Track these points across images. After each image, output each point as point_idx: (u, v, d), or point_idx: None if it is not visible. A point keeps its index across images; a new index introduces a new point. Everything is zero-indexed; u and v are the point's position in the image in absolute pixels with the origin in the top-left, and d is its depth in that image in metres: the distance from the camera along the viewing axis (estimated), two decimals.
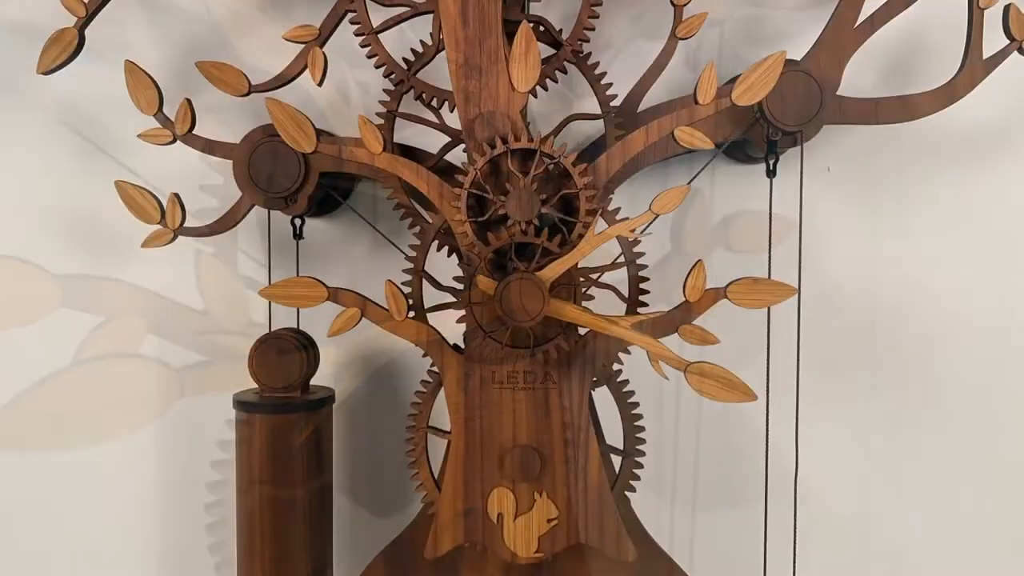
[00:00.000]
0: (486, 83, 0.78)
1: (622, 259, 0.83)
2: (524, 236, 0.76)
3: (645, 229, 0.78)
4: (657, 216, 0.76)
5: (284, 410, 0.85)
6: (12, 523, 1.05)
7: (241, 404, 0.86)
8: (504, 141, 0.77)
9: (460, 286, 0.80)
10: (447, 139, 0.87)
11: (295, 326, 0.90)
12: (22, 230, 1.02)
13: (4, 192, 1.02)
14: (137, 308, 1.02)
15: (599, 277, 0.81)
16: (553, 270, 0.76)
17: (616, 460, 0.86)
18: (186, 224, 0.86)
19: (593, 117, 0.86)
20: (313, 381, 0.90)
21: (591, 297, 0.80)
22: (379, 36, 0.85)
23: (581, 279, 0.78)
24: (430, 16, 0.85)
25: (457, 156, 0.88)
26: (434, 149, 0.89)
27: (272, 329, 0.89)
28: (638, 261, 0.84)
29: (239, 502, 0.87)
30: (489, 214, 0.77)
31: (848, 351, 0.97)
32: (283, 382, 0.86)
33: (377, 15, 0.85)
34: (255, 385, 0.88)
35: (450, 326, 0.83)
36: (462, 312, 0.80)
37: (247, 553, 0.86)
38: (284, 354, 0.86)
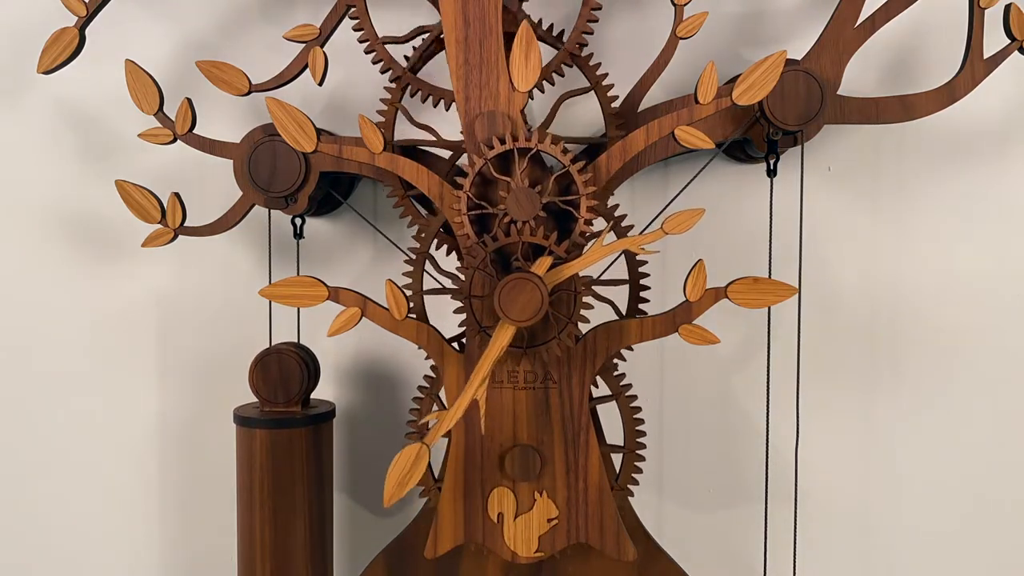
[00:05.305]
0: (486, 83, 0.78)
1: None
2: (532, 236, 0.76)
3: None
4: (666, 234, 0.76)
5: (285, 425, 0.85)
6: (11, 529, 1.05)
7: (242, 419, 0.86)
8: (480, 154, 0.77)
9: (462, 276, 0.79)
10: (448, 137, 0.87)
11: (296, 327, 0.90)
12: (22, 230, 1.03)
13: (4, 192, 1.02)
14: (137, 307, 1.02)
15: (594, 282, 0.81)
16: (556, 274, 0.75)
17: (616, 458, 0.86)
18: (186, 223, 0.86)
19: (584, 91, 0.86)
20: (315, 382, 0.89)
21: (590, 307, 0.80)
22: (379, 35, 0.85)
23: (583, 286, 0.78)
24: (430, 13, 0.85)
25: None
26: (435, 149, 0.89)
27: (272, 327, 0.89)
28: (638, 257, 0.84)
29: (239, 516, 0.87)
30: (495, 229, 0.77)
31: (848, 350, 0.97)
32: (283, 397, 0.86)
33: (377, 14, 0.86)
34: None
35: (450, 326, 0.83)
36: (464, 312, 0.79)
37: (247, 567, 0.86)
38: (284, 369, 0.86)
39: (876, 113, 0.82)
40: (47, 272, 1.02)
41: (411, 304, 0.81)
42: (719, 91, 0.76)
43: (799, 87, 0.79)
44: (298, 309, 0.89)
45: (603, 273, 0.83)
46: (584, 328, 0.79)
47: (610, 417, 0.86)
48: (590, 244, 0.76)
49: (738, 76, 0.77)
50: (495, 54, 0.78)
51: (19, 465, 1.04)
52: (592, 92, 0.86)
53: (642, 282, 0.85)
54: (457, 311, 0.79)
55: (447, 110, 0.83)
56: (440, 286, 0.84)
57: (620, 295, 0.85)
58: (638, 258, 0.85)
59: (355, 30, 0.84)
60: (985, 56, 0.81)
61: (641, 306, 0.85)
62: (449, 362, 0.81)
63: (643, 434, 0.85)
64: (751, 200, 0.95)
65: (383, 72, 0.85)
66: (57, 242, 1.02)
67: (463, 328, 0.80)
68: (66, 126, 1.01)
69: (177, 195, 0.86)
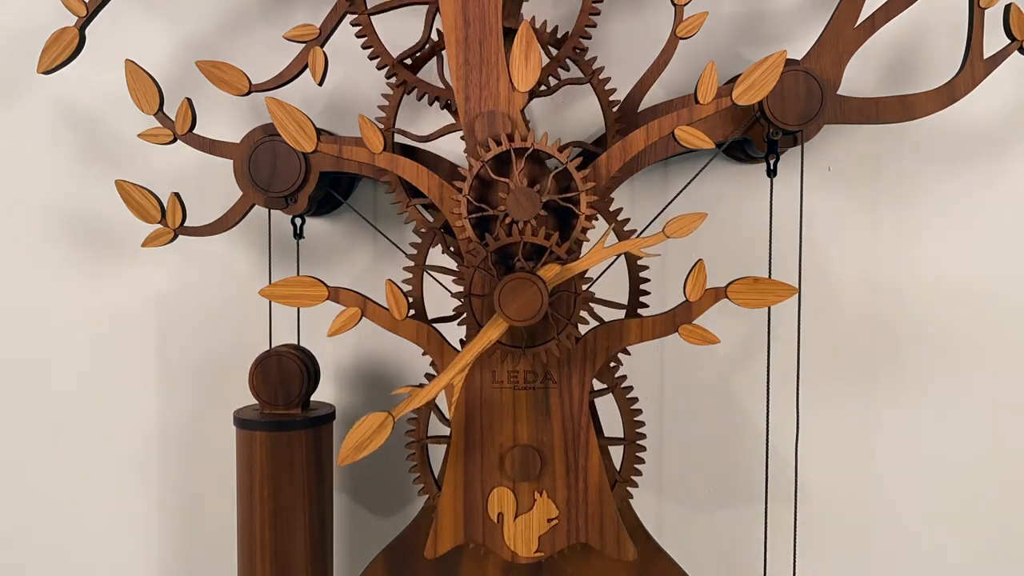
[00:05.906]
0: (486, 83, 0.78)
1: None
2: (534, 237, 0.76)
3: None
4: (668, 238, 0.76)
5: (285, 428, 0.85)
6: (11, 529, 1.05)
7: (242, 422, 0.86)
8: (476, 156, 0.77)
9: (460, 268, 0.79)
10: (449, 137, 0.87)
11: (296, 328, 0.90)
12: (22, 230, 1.02)
13: (4, 192, 1.02)
14: (137, 308, 1.02)
15: (593, 283, 0.81)
16: (557, 276, 0.75)
17: (616, 459, 0.86)
18: (186, 223, 0.86)
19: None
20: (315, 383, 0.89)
21: (589, 308, 0.80)
22: (379, 36, 0.85)
23: (584, 287, 0.78)
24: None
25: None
26: (435, 149, 0.89)
27: (272, 328, 0.89)
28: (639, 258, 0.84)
29: (239, 516, 0.86)
30: (496, 230, 0.77)
31: (848, 350, 0.97)
32: (284, 399, 0.86)
33: (377, 14, 0.85)
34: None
35: (451, 328, 0.83)
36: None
37: (247, 567, 0.86)
38: (284, 371, 0.86)
39: (876, 113, 0.82)
40: (47, 272, 1.02)
41: (411, 300, 0.82)
42: (719, 91, 0.76)
43: (799, 87, 0.79)
44: (298, 310, 0.89)
45: (603, 274, 0.83)
46: (584, 328, 0.79)
47: (610, 415, 0.86)
48: (591, 245, 0.76)
49: (738, 76, 0.77)
50: (495, 54, 0.78)
51: (19, 465, 1.04)
52: (592, 92, 0.86)
53: (642, 274, 0.85)
54: (457, 309, 0.79)
55: (453, 110, 0.83)
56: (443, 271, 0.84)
57: (619, 296, 0.85)
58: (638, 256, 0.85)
59: (358, 36, 0.84)
60: (985, 56, 0.81)
61: (642, 299, 0.85)
62: (449, 362, 0.81)
63: (642, 424, 0.85)
64: (751, 200, 0.95)
65: (387, 78, 0.85)
66: (57, 242, 1.02)
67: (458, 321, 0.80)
68: (66, 126, 1.01)
69: (177, 195, 0.86)
